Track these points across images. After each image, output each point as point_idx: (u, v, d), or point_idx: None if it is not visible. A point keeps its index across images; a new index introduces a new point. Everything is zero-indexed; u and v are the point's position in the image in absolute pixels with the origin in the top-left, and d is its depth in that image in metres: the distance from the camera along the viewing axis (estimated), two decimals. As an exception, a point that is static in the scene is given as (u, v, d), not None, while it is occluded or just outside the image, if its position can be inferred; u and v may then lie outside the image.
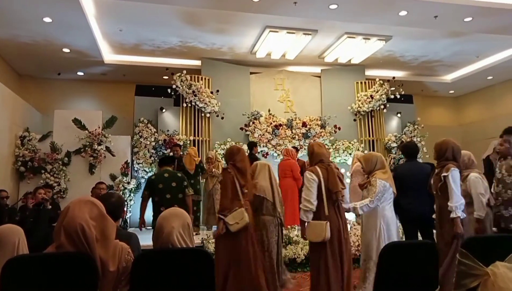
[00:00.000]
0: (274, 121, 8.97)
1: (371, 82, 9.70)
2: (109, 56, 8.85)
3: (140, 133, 8.38)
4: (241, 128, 8.83)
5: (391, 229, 3.74)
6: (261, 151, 8.79)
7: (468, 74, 10.23)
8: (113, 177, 7.93)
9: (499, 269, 2.03)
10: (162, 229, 1.88)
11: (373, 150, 9.10)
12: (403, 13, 6.74)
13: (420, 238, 4.46)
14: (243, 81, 9.36)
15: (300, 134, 9.01)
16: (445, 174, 3.43)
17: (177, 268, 1.63)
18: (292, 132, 8.97)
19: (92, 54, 8.36)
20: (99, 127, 7.99)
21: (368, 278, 3.65)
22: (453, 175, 3.41)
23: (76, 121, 7.91)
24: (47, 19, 6.69)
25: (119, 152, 8.13)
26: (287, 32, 7.73)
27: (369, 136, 9.51)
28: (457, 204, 3.35)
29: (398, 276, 1.99)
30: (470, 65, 9.92)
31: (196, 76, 8.83)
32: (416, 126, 9.84)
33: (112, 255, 1.77)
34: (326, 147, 4.02)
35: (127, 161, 8.14)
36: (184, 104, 8.59)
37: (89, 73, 9.67)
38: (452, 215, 3.34)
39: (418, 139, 9.51)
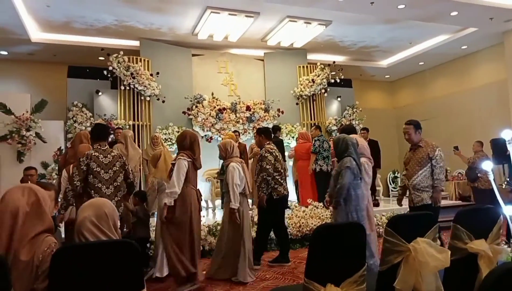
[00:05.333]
0: (217, 105, 8.86)
1: (313, 66, 9.88)
2: (37, 34, 8.15)
3: (74, 118, 7.89)
4: (184, 112, 8.63)
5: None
6: (205, 135, 8.67)
7: (402, 60, 10.76)
8: (45, 165, 7.44)
9: (420, 244, 2.17)
10: (76, 219, 1.82)
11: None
12: (341, -2, 6.87)
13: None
14: (185, 63, 9.11)
15: (244, 118, 8.99)
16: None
17: (99, 262, 1.54)
18: (236, 116, 8.93)
19: (16, 32, 7.64)
20: (27, 111, 7.41)
21: None
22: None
23: (0, 105, 7.26)
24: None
25: (50, 138, 7.62)
26: (229, 14, 7.60)
27: (311, 119, 9.74)
28: None
29: (329, 255, 2.04)
30: (404, 51, 10.44)
31: (134, 57, 8.44)
32: (354, 110, 10.23)
33: (27, 244, 1.66)
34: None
35: (60, 147, 7.66)
36: (122, 87, 8.20)
37: (14, 52, 8.85)
38: None
39: (357, 122, 9.91)
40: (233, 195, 3.97)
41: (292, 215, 5.98)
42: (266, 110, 9.20)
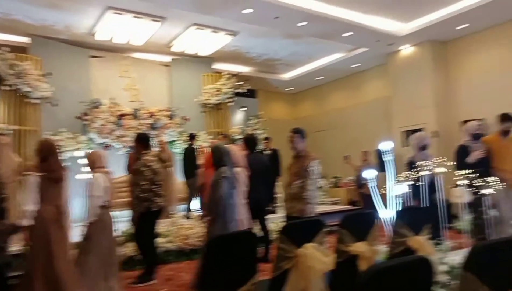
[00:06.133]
0: (118, 111, 8.39)
1: (219, 75, 9.95)
2: None
3: None
4: (78, 117, 7.99)
5: None
6: (103, 143, 8.13)
7: (303, 74, 11.45)
8: None
9: (308, 249, 2.28)
10: None
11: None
12: (247, 10, 7.06)
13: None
14: (82, 65, 8.47)
15: (147, 125, 8.66)
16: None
17: None
18: (138, 123, 8.55)
19: None
20: None
21: None
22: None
23: None
24: None
25: None
26: (134, 16, 7.31)
27: (216, 128, 9.77)
28: None
29: (222, 265, 2.03)
30: (305, 66, 11.11)
31: (23, 55, 7.58)
32: (259, 120, 10.54)
33: None
34: None
35: None
36: (4, 88, 7.29)
37: None
38: None
39: (261, 131, 10.21)
40: (91, 208, 3.66)
41: (180, 225, 5.86)
42: (171, 117, 8.98)
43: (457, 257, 3.36)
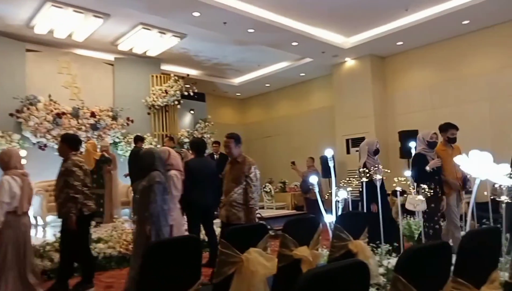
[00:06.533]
0: (56, 109, 7.91)
1: (167, 77, 9.76)
2: None
3: None
4: (11, 114, 7.42)
5: None
6: (38, 142, 7.62)
7: (251, 80, 11.55)
8: None
9: (251, 254, 2.29)
10: None
11: (162, 145, 9.11)
12: (196, 14, 6.98)
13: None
14: (16, 58, 7.89)
15: (88, 125, 8.25)
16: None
17: None
18: (78, 123, 8.12)
19: None
20: None
21: None
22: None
23: None
24: None
25: None
26: (74, 11, 6.97)
27: (163, 130, 9.55)
28: None
29: (163, 271, 1.97)
30: (253, 72, 11.22)
31: None
32: (207, 124, 10.47)
33: None
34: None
35: None
36: None
37: None
38: None
39: (208, 135, 10.15)
40: None
41: (122, 231, 5.62)
42: (114, 118, 8.64)
43: (393, 260, 3.56)
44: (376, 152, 4.85)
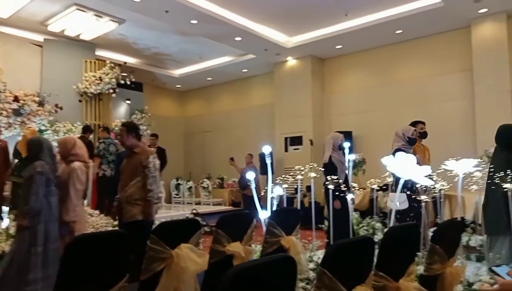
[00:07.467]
0: (-29, 91, 7.14)
1: (102, 63, 9.22)
2: None
3: None
4: None
5: None
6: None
7: (192, 73, 11.33)
8: None
9: (182, 250, 2.23)
10: None
11: (95, 134, 8.64)
12: (136, -1, 6.69)
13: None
14: None
15: (10, 110, 7.55)
16: None
17: None
18: (-2, 107, 7.40)
19: None
20: None
21: None
22: None
23: None
24: None
25: None
26: (-3, -17, 6.32)
27: (96, 120, 9.02)
28: None
29: (86, 269, 1.85)
30: (195, 65, 11.01)
31: None
32: (144, 115, 10.09)
33: None
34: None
35: None
36: None
37: None
38: None
39: (145, 127, 9.79)
40: None
41: None
42: (41, 103, 8.00)
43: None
44: (340, 146, 4.87)
